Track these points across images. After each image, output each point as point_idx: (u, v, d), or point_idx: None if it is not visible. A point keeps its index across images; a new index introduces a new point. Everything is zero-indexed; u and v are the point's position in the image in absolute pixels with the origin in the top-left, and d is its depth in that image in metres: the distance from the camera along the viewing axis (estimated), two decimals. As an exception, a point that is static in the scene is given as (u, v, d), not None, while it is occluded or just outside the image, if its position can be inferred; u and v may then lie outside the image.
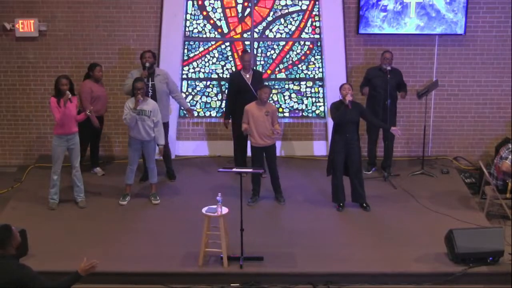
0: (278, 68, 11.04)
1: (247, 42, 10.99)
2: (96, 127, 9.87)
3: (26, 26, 10.48)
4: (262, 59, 11.03)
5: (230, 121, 10.06)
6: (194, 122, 11.02)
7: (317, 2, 10.79)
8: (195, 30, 10.94)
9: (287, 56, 11.04)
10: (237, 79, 9.85)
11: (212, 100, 11.14)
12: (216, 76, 11.08)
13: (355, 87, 9.89)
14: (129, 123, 8.95)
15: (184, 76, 11.05)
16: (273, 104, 9.89)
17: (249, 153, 10.33)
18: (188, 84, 11.08)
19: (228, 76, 10.97)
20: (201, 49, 11.00)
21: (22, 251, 7.58)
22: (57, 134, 8.90)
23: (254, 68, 10.71)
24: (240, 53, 10.79)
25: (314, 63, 11.04)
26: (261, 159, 9.14)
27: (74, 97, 8.94)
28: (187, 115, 10.52)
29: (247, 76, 9.82)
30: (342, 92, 8.82)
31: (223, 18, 10.91)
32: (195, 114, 11.03)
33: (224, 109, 10.45)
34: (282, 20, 10.93)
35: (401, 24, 10.50)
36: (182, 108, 10.50)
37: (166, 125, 9.67)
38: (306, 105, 11.17)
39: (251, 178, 9.29)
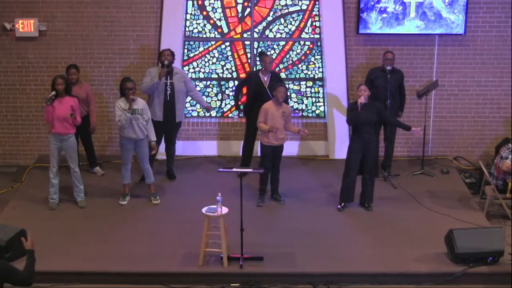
0: (278, 68, 11.03)
1: (247, 42, 10.98)
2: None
3: (26, 26, 10.48)
4: (262, 59, 11.03)
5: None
6: (194, 122, 11.02)
7: (317, 2, 10.78)
8: (195, 30, 10.94)
9: (287, 56, 11.03)
10: (255, 79, 9.74)
11: (212, 100, 11.13)
12: (216, 76, 11.07)
13: (355, 87, 9.87)
14: (124, 124, 8.96)
15: (184, 76, 11.07)
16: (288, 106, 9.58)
17: (256, 152, 10.34)
18: (188, 84, 11.09)
19: (227, 75, 10.99)
20: (201, 49, 10.99)
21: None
22: (52, 133, 8.97)
23: (275, 70, 10.61)
24: (239, 53, 10.82)
25: (314, 63, 11.03)
26: (271, 158, 9.10)
27: (72, 98, 8.94)
28: (205, 113, 11.02)
29: (265, 78, 9.73)
30: (358, 94, 8.86)
31: (223, 18, 10.90)
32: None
33: (242, 107, 10.34)
34: (282, 20, 10.92)
35: (401, 25, 10.50)
36: (201, 106, 10.78)
37: (179, 125, 9.95)
38: (306, 105, 11.17)
39: (260, 178, 9.26)
